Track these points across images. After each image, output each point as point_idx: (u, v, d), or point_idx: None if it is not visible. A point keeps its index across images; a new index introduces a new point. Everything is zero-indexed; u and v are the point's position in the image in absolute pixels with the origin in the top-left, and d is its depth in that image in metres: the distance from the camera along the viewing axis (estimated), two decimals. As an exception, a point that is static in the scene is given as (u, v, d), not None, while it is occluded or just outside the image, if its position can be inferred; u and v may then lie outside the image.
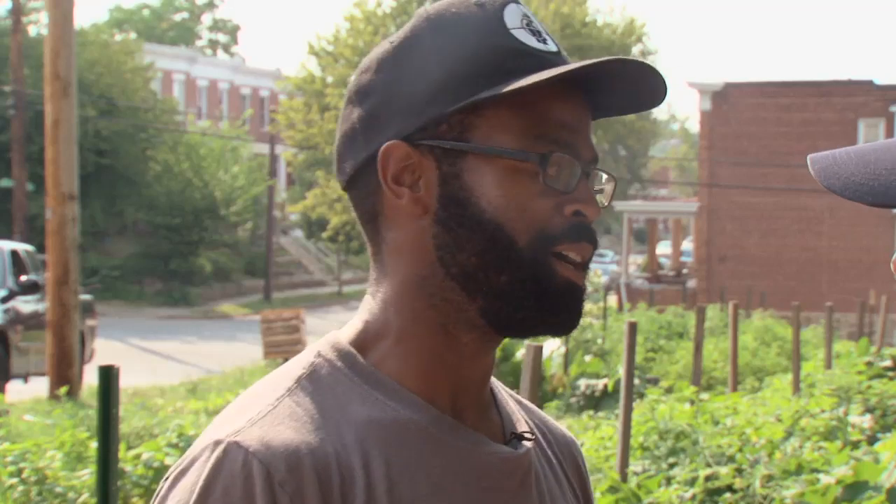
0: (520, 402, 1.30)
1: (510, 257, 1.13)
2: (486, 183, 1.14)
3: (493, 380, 1.25)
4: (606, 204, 1.20)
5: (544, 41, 1.17)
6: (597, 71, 1.12)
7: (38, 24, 37.50)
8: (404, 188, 1.16)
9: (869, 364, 11.76)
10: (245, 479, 1.07)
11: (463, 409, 1.18)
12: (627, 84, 1.16)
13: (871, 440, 8.21)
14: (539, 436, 1.28)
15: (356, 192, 1.21)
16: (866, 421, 8.73)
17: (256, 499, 1.07)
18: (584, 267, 1.16)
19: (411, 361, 1.17)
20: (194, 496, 1.07)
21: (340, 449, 1.11)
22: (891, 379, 10.77)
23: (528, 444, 1.21)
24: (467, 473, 1.15)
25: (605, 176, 1.20)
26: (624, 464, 7.09)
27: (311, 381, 1.15)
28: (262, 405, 1.13)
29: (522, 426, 1.24)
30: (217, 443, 1.10)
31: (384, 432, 1.13)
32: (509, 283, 1.14)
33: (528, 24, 1.18)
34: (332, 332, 1.21)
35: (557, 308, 1.15)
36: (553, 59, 1.16)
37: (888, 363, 11.72)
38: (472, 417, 1.19)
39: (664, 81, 1.14)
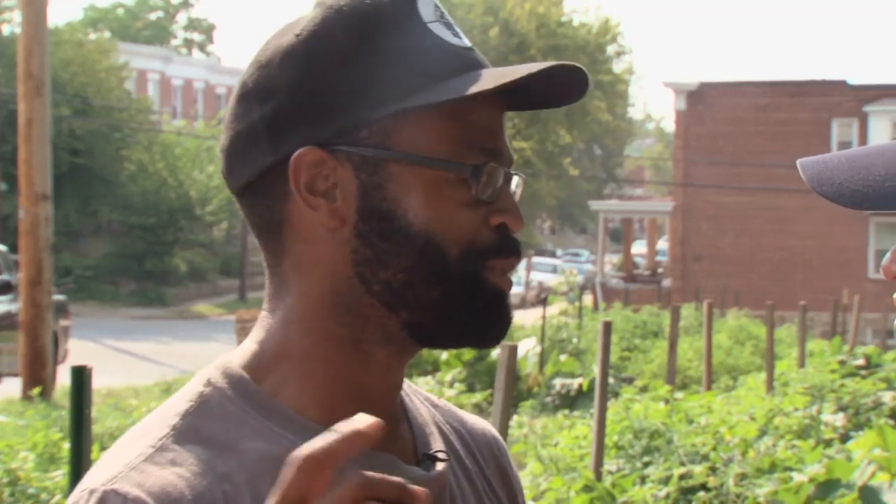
0: (435, 405, 1.22)
1: (442, 272, 1.05)
2: (413, 194, 1.05)
3: (404, 383, 1.17)
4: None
5: (458, 36, 1.09)
6: (535, 76, 1.04)
7: (12, 23, 37.31)
8: (320, 198, 1.06)
9: (842, 363, 11.83)
10: None
11: None
12: (550, 83, 1.08)
13: (844, 438, 8.26)
14: (457, 441, 1.20)
15: (254, 198, 1.09)
16: (839, 419, 8.79)
17: None
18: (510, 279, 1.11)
19: (313, 384, 1.07)
20: None
21: (230, 490, 1.01)
22: (863, 377, 10.83)
23: (441, 465, 1.12)
24: None
25: (517, 178, 1.12)
26: (598, 463, 7.11)
27: (199, 416, 1.05)
28: (143, 447, 1.03)
29: (436, 442, 1.15)
30: (91, 492, 1.00)
31: (279, 468, 0.99)
32: (441, 297, 1.06)
33: (440, 17, 1.09)
34: (224, 354, 1.11)
35: (488, 319, 1.08)
36: (471, 57, 1.08)
37: (861, 362, 11.80)
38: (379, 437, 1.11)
39: (587, 81, 1.08)
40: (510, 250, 1.08)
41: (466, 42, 1.10)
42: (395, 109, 1.04)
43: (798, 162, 1.08)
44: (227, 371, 1.09)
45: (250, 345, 1.10)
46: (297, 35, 1.07)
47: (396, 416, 1.13)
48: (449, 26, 1.09)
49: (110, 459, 1.04)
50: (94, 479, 1.02)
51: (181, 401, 1.08)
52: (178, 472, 1.01)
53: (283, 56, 1.07)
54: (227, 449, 1.03)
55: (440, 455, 1.13)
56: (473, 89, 1.03)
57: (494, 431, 1.27)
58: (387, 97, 1.04)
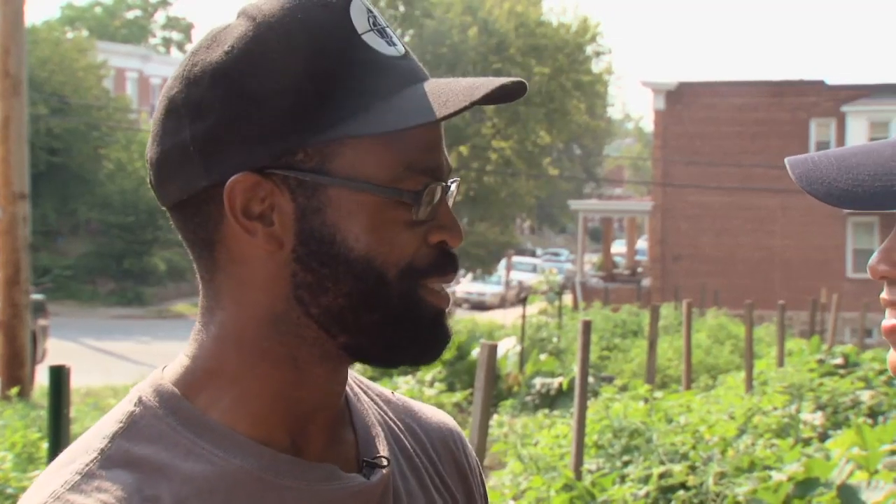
0: (387, 401, 1.21)
1: (380, 295, 1.03)
2: (353, 218, 1.02)
3: (352, 379, 1.16)
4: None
5: (392, 42, 1.06)
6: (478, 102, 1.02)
7: (-11, 21, 37.11)
8: (257, 223, 1.03)
9: (820, 362, 11.89)
10: None
11: (308, 438, 1.08)
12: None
13: (823, 437, 8.30)
14: (409, 439, 1.18)
15: (185, 215, 1.06)
16: (817, 418, 8.82)
17: None
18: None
19: (248, 400, 1.05)
20: None
21: None
22: (842, 376, 10.89)
23: (383, 470, 1.10)
24: None
25: (454, 185, 1.10)
26: (578, 462, 7.12)
27: (128, 438, 1.03)
28: (69, 474, 1.00)
29: (381, 445, 1.13)
30: None
31: (209, 488, 1.01)
32: (380, 321, 1.04)
33: (374, 24, 1.06)
34: (156, 370, 1.09)
35: (427, 340, 1.07)
36: (408, 68, 1.05)
37: (839, 361, 11.85)
38: (319, 444, 1.08)
39: (525, 88, 1.04)
40: (449, 266, 1.07)
41: (401, 49, 1.07)
42: (332, 137, 1.01)
43: (786, 160, 1.07)
44: (159, 388, 1.06)
45: (183, 360, 1.08)
46: (227, 52, 1.03)
47: (339, 421, 1.12)
48: (382, 33, 1.06)
49: (37, 488, 1.01)
50: None
51: (110, 422, 1.05)
52: (102, 499, 0.98)
53: (214, 75, 1.03)
54: (157, 470, 1.01)
55: (381, 461, 1.11)
56: (417, 120, 1.00)
57: (452, 423, 1.25)
58: (323, 121, 1.01)
